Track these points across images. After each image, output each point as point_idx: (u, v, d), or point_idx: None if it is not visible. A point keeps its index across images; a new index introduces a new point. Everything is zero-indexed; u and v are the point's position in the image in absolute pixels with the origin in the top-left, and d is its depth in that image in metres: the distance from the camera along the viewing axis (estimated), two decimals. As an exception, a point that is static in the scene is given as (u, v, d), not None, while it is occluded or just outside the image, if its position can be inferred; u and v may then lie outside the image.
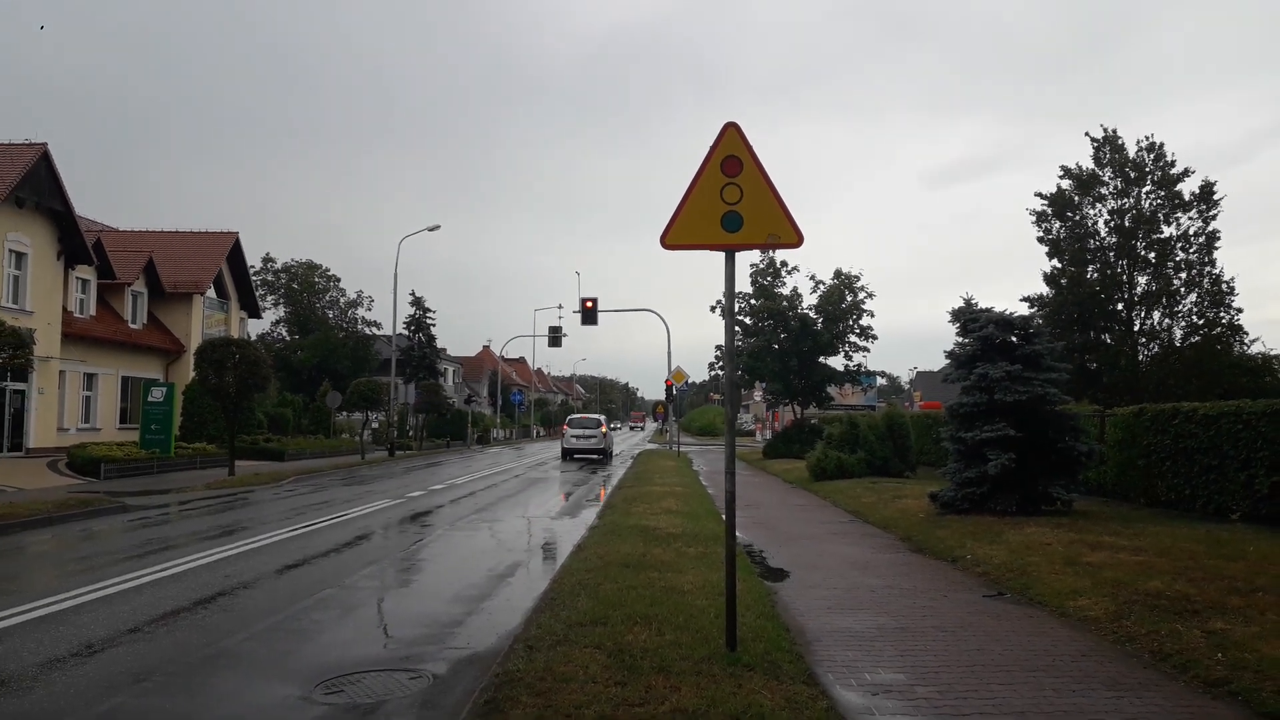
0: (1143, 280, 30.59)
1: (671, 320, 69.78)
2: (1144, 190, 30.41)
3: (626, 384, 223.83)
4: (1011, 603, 8.37)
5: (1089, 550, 10.02)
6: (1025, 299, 31.80)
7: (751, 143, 6.48)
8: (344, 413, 45.87)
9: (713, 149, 6.48)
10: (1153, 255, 30.03)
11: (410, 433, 51.27)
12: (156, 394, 28.89)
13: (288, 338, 64.19)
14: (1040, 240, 32.09)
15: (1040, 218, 32.07)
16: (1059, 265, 31.58)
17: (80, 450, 25.66)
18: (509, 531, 14.43)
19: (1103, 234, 31.26)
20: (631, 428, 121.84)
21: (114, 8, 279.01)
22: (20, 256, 28.28)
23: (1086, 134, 31.06)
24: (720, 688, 5.30)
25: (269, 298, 63.76)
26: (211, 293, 40.50)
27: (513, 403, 76.80)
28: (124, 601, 8.44)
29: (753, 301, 35.19)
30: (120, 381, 35.08)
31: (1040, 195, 31.95)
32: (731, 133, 6.49)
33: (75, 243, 30.61)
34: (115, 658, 6.55)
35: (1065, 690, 5.66)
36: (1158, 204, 30.11)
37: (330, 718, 5.32)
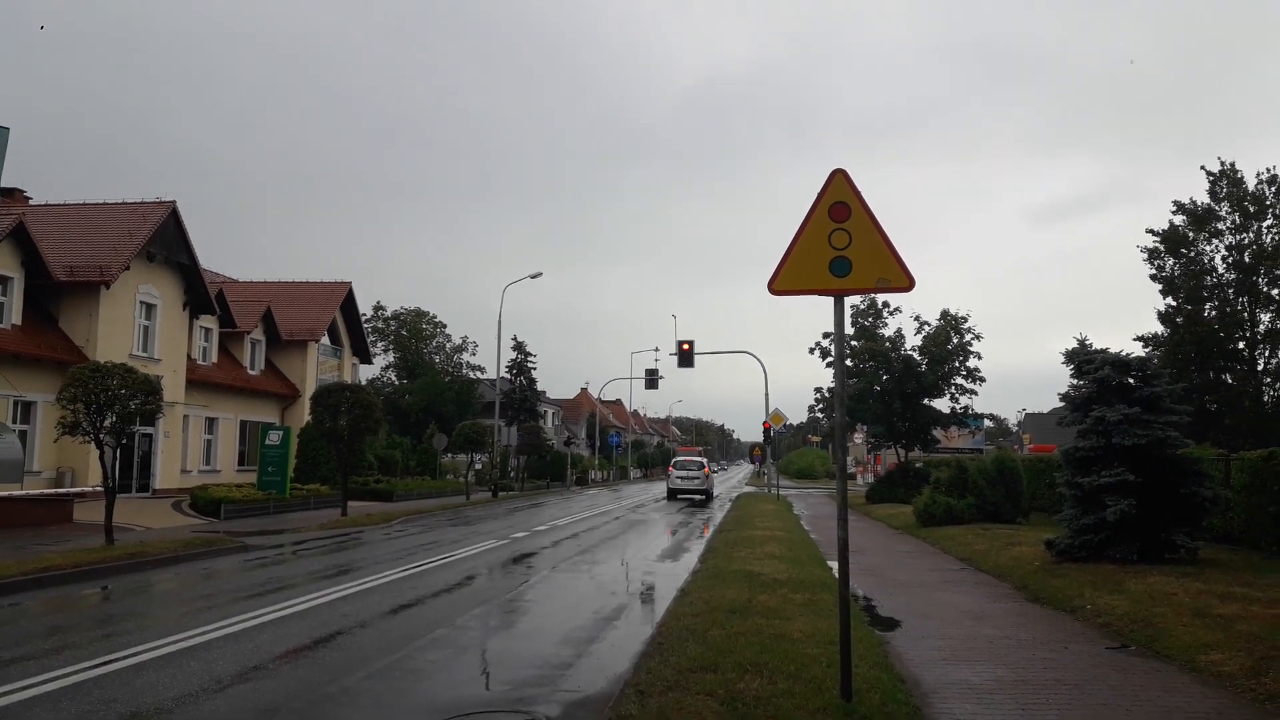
0: (1266, 318, 29.32)
1: (768, 361, 69.66)
2: (1265, 224, 29.22)
3: (722, 426, 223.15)
4: (1137, 655, 8.05)
5: (1219, 602, 9.56)
6: (1139, 338, 30.86)
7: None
8: (449, 454, 46.86)
9: (820, 195, 6.53)
10: (1276, 292, 28.75)
11: (512, 474, 52.00)
12: (273, 437, 29.94)
13: (396, 382, 66.00)
14: (1153, 278, 31.12)
15: (1153, 255, 31.10)
16: (1174, 303, 30.53)
17: (202, 491, 26.76)
18: (612, 574, 14.50)
19: (1220, 270, 30.13)
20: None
21: (231, 74, 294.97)
22: (150, 308, 29.89)
23: (1202, 168, 30.10)
24: (836, 738, 5.24)
25: (379, 344, 65.71)
26: (326, 340, 42.06)
27: (610, 444, 77.30)
28: (248, 639, 8.77)
29: (854, 343, 34.80)
30: (239, 425, 36.62)
31: (1152, 232, 31.03)
32: (839, 179, 6.53)
33: (199, 294, 32.25)
34: (243, 694, 6.81)
35: (1200, 750, 5.42)
36: (1281, 238, 28.87)
37: (450, 758, 5.44)
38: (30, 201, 31.35)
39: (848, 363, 34.76)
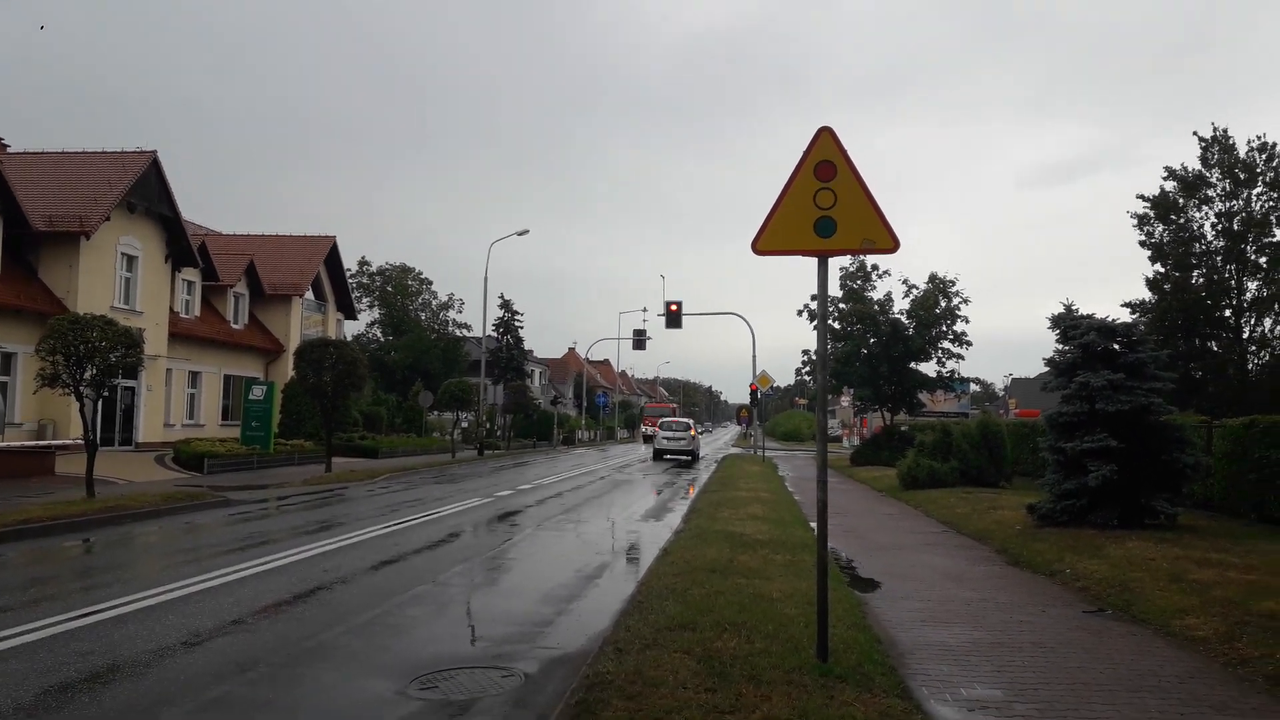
0: (1253, 286, 29.40)
1: (756, 323, 69.55)
2: (1255, 192, 29.19)
3: (710, 387, 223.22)
4: (1113, 620, 8.11)
5: (1196, 567, 9.64)
6: (1126, 304, 30.93)
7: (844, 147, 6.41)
8: (435, 412, 46.81)
9: (806, 154, 6.42)
10: (1264, 260, 28.81)
11: (498, 432, 52.01)
12: (257, 392, 29.84)
13: (382, 339, 65.71)
14: (1142, 244, 31.12)
15: (1142, 221, 31.07)
16: (1162, 270, 30.57)
17: (185, 446, 26.68)
18: (595, 533, 14.53)
19: (1209, 237, 30.15)
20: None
21: (221, 19, 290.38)
22: (131, 259, 29.58)
23: (1194, 133, 29.99)
24: (812, 699, 5.25)
25: (364, 300, 65.31)
26: (310, 295, 41.77)
27: (597, 404, 77.32)
28: (228, 593, 8.75)
29: (841, 305, 34.74)
30: (223, 380, 36.45)
31: (1142, 197, 30.95)
32: (825, 137, 6.42)
33: (182, 246, 31.90)
34: (221, 647, 6.79)
35: (1172, 713, 5.46)
36: (1270, 206, 28.88)
37: (425, 713, 5.44)
38: (8, 149, 30.88)
39: (834, 325, 34.78)
